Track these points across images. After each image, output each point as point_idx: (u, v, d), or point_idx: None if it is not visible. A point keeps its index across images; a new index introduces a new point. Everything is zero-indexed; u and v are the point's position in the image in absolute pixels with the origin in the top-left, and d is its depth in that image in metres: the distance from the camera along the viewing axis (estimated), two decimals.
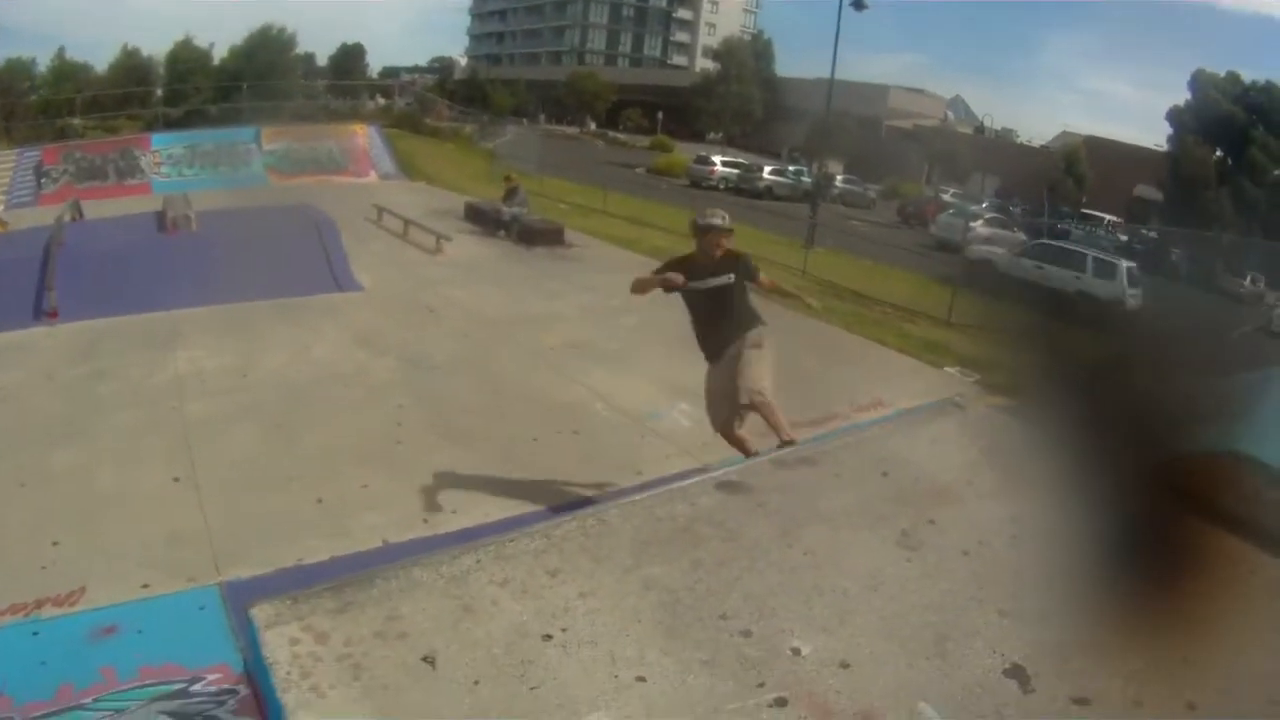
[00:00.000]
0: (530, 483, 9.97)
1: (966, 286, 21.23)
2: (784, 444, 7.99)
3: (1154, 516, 5.20)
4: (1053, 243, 35.21)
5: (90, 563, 8.26)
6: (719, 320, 8.67)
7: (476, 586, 5.03)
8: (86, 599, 7.75)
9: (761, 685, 4.40)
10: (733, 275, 8.55)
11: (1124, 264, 29.54)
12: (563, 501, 9.37)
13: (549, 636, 4.64)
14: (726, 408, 8.65)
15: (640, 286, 8.71)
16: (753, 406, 8.28)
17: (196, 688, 6.19)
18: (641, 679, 4.40)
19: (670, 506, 6.07)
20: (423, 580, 5.05)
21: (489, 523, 8.74)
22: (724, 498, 6.25)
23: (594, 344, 14.98)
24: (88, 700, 6.26)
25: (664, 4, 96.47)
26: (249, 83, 48.17)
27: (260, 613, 4.76)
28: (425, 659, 4.43)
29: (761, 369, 8.33)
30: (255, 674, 4.75)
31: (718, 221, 8.64)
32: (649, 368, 13.67)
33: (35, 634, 7.37)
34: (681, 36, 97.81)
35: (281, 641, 4.53)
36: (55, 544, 8.57)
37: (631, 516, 5.95)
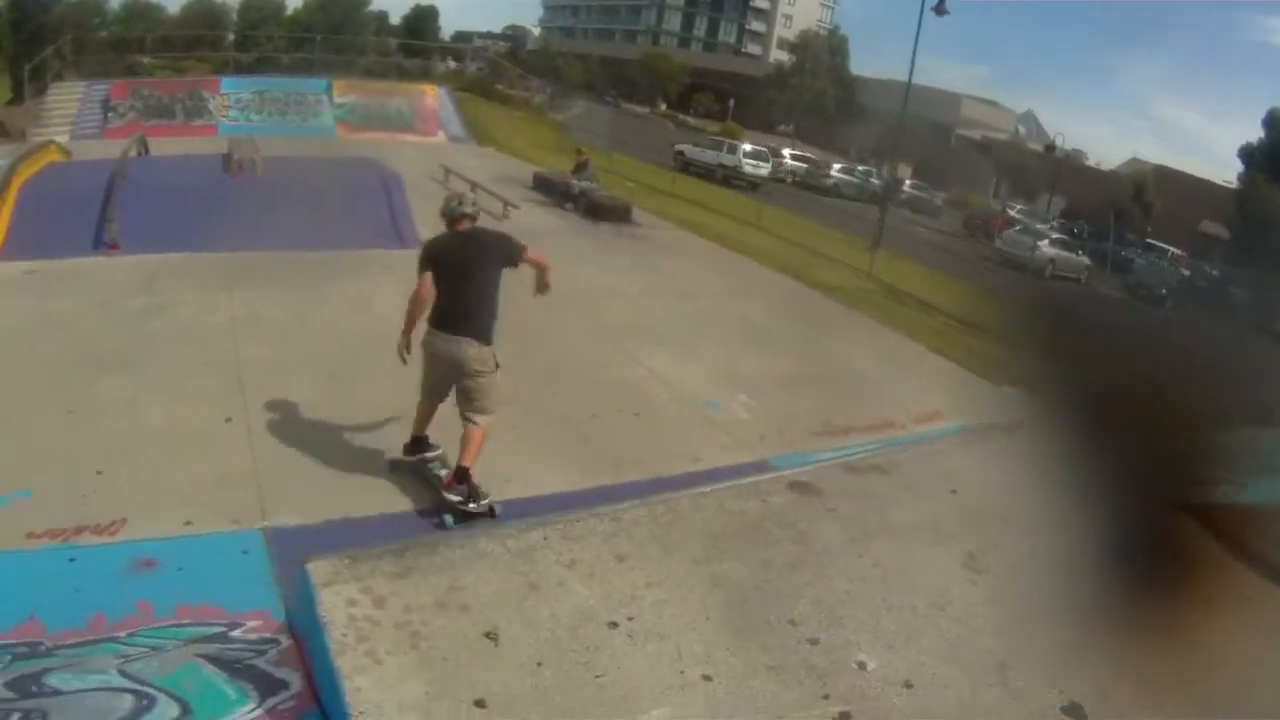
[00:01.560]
0: (588, 459, 9.82)
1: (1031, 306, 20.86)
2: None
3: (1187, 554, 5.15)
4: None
5: (133, 495, 8.24)
6: None
7: (543, 564, 4.97)
8: (127, 530, 7.73)
9: (826, 697, 4.32)
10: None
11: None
12: (619, 481, 9.21)
13: (615, 624, 4.58)
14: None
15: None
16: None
17: (236, 633, 6.06)
18: (707, 678, 4.31)
19: (741, 502, 6.02)
20: (488, 552, 4.99)
21: (544, 494, 8.70)
22: (795, 498, 6.18)
23: (656, 326, 14.78)
24: (122, 634, 6.15)
25: None
26: (321, 35, 48.35)
27: (317, 569, 4.70)
28: (487, 634, 4.37)
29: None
30: (305, 630, 4.75)
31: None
32: (709, 355, 13.49)
33: (72, 560, 7.35)
34: (757, 25, 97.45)
35: (338, 601, 4.48)
36: (99, 473, 8.56)
37: (702, 508, 5.89)
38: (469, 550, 4.95)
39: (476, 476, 8.39)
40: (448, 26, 75.94)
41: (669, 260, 19.99)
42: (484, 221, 19.85)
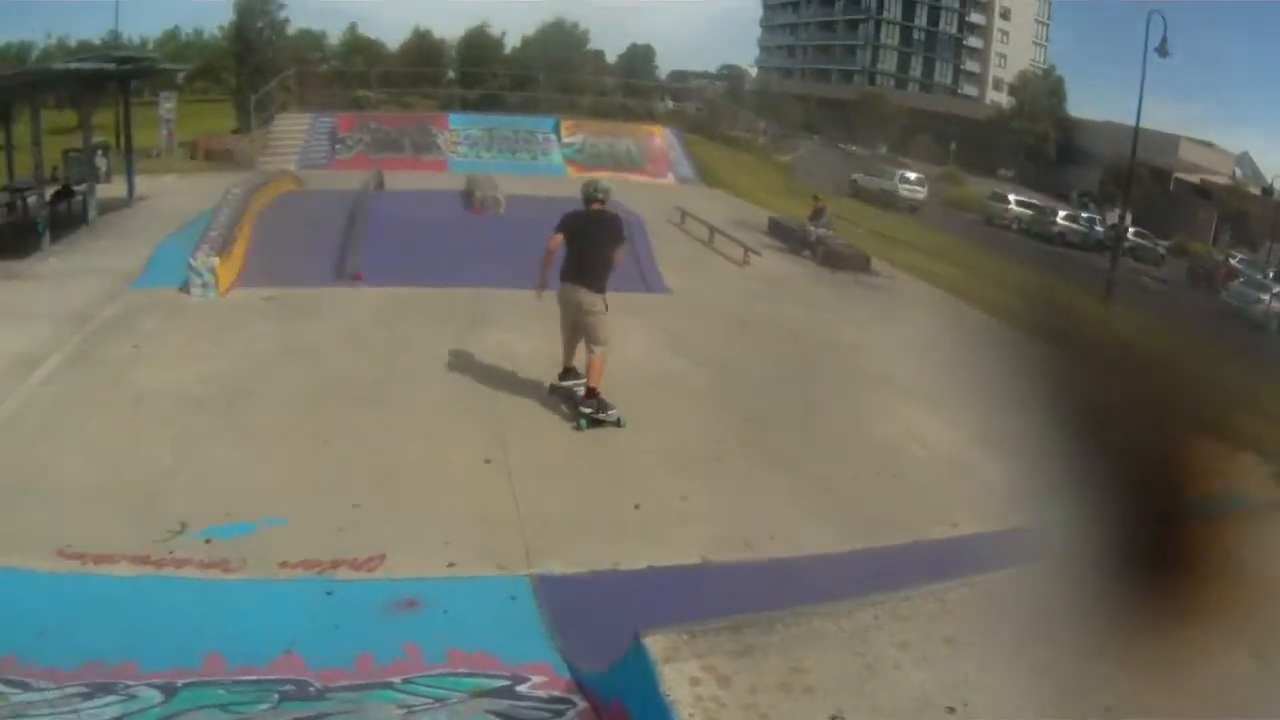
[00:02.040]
0: (847, 518, 9.44)
1: None
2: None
3: None
4: None
5: (392, 531, 8.21)
6: None
7: (878, 645, 4.82)
8: (386, 567, 7.67)
9: None
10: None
11: None
12: (879, 545, 8.82)
13: (952, 709, 4.39)
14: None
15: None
16: None
17: (523, 689, 5.87)
18: None
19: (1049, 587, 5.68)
20: (824, 631, 4.87)
21: (807, 555, 8.35)
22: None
23: (903, 379, 14.32)
24: (395, 679, 6.03)
25: (954, 30, 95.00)
26: (543, 73, 49.21)
27: (655, 643, 4.61)
28: (833, 718, 4.23)
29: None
30: (642, 708, 4.58)
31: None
32: (960, 412, 12.99)
33: (329, 594, 7.32)
34: (971, 65, 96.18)
35: (681, 680, 4.37)
36: (356, 506, 8.58)
37: (1020, 589, 5.71)
38: (805, 629, 4.82)
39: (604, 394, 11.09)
40: (663, 66, 76.62)
41: (908, 310, 19.59)
42: (722, 267, 19.80)
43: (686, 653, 4.50)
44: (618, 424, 10.94)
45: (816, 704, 4.28)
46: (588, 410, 11.00)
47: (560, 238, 11.41)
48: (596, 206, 11.65)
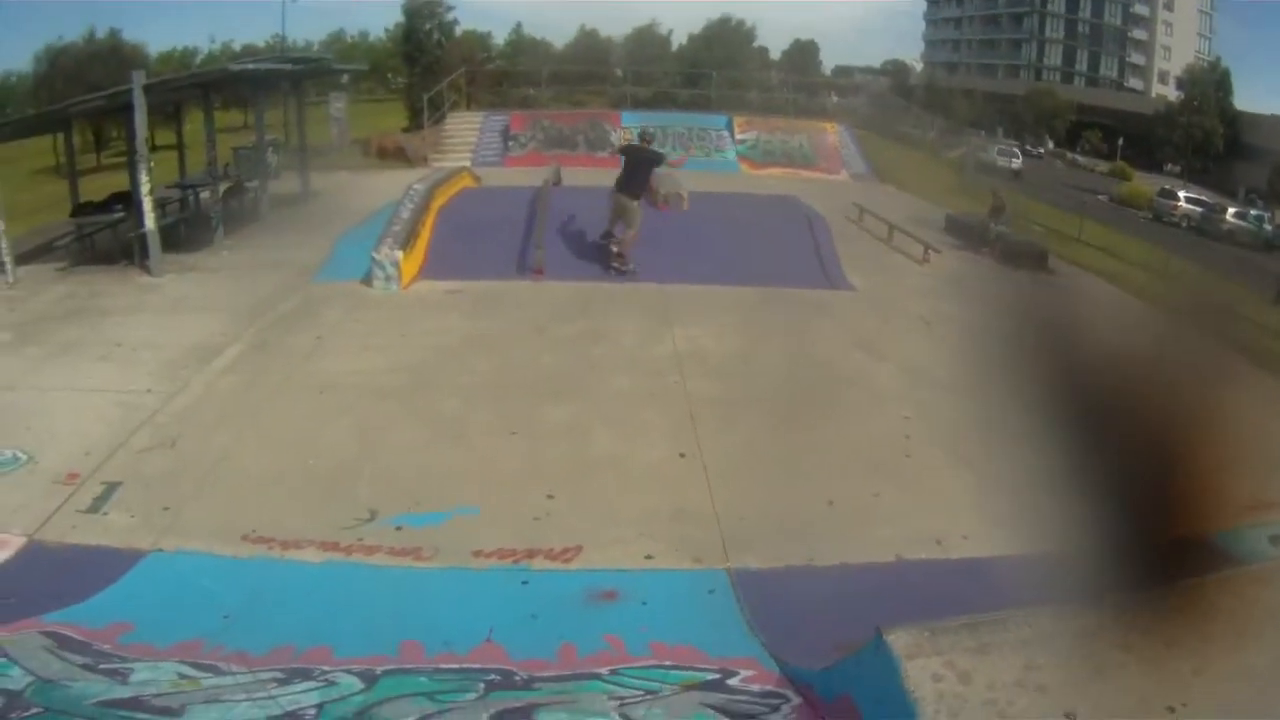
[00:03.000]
0: (1038, 520, 9.25)
1: None
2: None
3: None
4: None
5: (586, 522, 8.28)
6: None
7: (1102, 647, 4.76)
8: (582, 558, 7.75)
9: None
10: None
11: None
12: (1086, 549, 8.62)
13: (1172, 709, 4.53)
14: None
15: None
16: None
17: (734, 682, 5.84)
18: None
19: (1256, 589, 5.59)
20: (1053, 631, 4.87)
21: (1000, 555, 8.10)
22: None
23: None
24: (603, 670, 6.04)
25: (1119, 22, 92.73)
26: (714, 70, 49.21)
27: (897, 640, 4.67)
28: (1066, 715, 4.34)
29: None
30: (875, 703, 4.72)
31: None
32: None
33: (524, 583, 7.40)
34: (1136, 58, 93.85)
35: (924, 676, 4.48)
36: (550, 497, 8.66)
37: (1225, 593, 5.42)
38: (1036, 628, 4.81)
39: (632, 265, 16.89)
40: (827, 61, 76.25)
41: (1091, 312, 19.06)
42: (902, 264, 19.62)
43: (928, 649, 4.55)
44: (634, 273, 17.12)
45: (1049, 702, 4.38)
46: (615, 265, 17.36)
47: (621, 159, 17.76)
48: (645, 143, 18.46)
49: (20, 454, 9.55)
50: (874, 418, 11.23)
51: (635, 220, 17.02)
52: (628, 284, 16.32)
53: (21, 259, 17.26)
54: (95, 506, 8.58)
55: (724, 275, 16.71)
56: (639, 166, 17.18)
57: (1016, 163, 51.16)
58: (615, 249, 17.28)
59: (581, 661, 6.16)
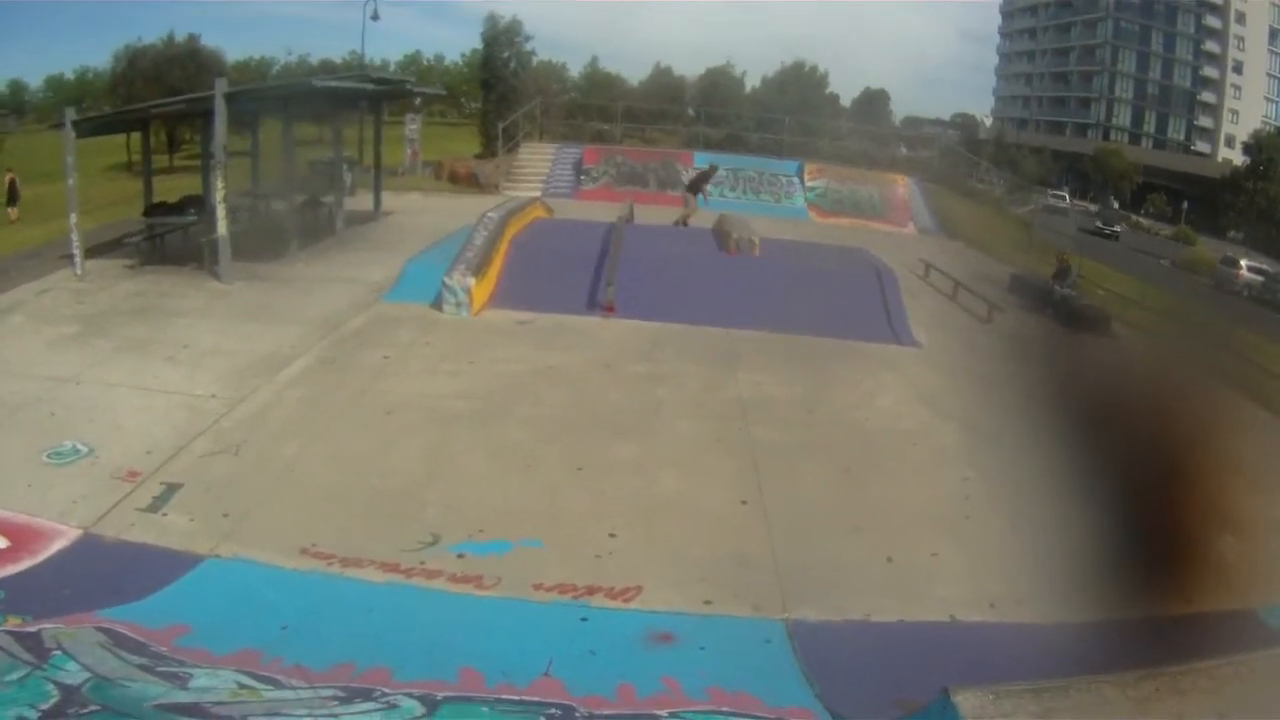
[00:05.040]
0: (1094, 587, 9.26)
1: None
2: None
3: None
4: None
5: (647, 563, 8.34)
6: None
7: (1157, 716, 4.99)
8: (641, 599, 7.80)
9: None
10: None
11: None
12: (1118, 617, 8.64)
13: None
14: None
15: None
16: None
17: None
18: None
19: None
20: (1112, 699, 5.02)
21: (1056, 623, 8.13)
22: None
23: None
24: (661, 713, 6.11)
25: (1188, 85, 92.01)
26: (787, 116, 49.23)
27: (965, 701, 4.80)
28: None
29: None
30: None
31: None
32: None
33: (584, 620, 7.48)
34: (1204, 121, 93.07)
35: None
36: (612, 535, 8.75)
37: (1276, 669, 5.85)
38: (1096, 695, 4.97)
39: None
40: (896, 110, 76.20)
41: (1153, 378, 18.96)
42: (966, 322, 19.62)
43: (994, 711, 4.65)
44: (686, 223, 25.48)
45: None
46: (676, 222, 26.88)
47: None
48: (693, 176, 30.78)
49: (81, 446, 9.84)
50: (935, 475, 11.26)
51: (691, 209, 27.63)
52: (695, 327, 16.29)
53: (90, 253, 17.77)
54: (154, 506, 8.86)
55: (791, 323, 16.61)
56: (698, 180, 29.51)
57: (1064, 204, 54.97)
58: (683, 224, 27.07)
59: (641, 703, 6.24)
